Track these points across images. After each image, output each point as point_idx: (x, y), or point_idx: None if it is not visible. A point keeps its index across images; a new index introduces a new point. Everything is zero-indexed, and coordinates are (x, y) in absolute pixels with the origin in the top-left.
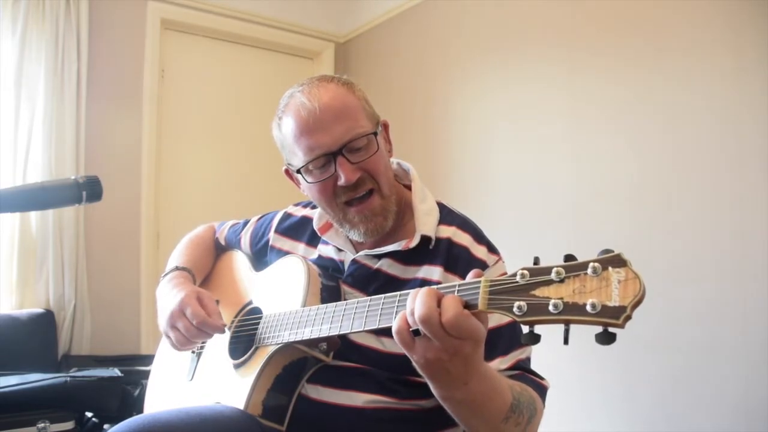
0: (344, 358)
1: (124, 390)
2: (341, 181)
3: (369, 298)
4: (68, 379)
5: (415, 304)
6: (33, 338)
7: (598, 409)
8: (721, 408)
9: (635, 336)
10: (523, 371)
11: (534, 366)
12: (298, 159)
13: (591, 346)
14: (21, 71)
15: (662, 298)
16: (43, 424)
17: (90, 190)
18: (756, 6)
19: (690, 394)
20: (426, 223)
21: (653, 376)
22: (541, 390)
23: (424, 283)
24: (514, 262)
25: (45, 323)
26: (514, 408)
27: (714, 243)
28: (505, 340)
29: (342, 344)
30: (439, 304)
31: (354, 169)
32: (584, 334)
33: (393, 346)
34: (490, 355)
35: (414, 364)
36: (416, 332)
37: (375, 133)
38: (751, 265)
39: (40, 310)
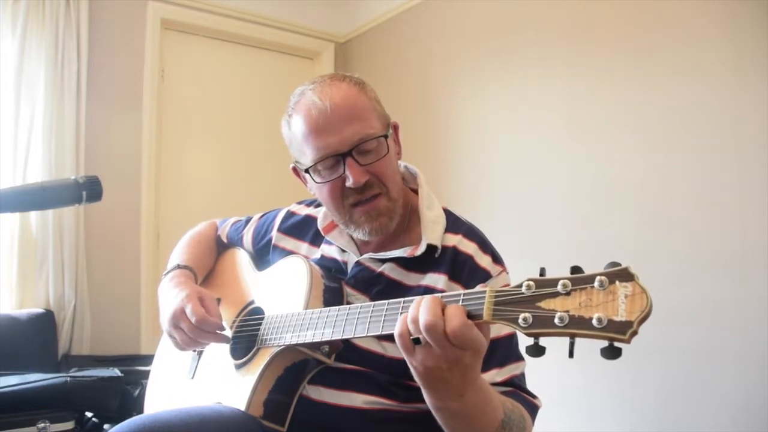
0: (346, 361)
1: (124, 390)
2: (349, 183)
3: (372, 303)
4: (68, 379)
5: (419, 311)
6: (33, 338)
7: (601, 411)
8: (723, 410)
9: (637, 336)
10: (516, 388)
11: (535, 367)
12: (307, 158)
13: (593, 347)
14: (21, 71)
15: (664, 299)
16: (43, 424)
17: (90, 190)
18: (756, 5)
19: (692, 396)
20: (433, 232)
21: (656, 378)
22: (532, 409)
23: (428, 290)
24: (513, 263)
25: (45, 323)
26: (504, 424)
27: (715, 244)
28: (502, 351)
29: (344, 347)
30: (443, 312)
31: (363, 171)
32: (588, 342)
33: (394, 350)
34: (486, 366)
35: (412, 371)
36: (416, 341)
37: (386, 136)
38: (753, 266)
39: (40, 310)
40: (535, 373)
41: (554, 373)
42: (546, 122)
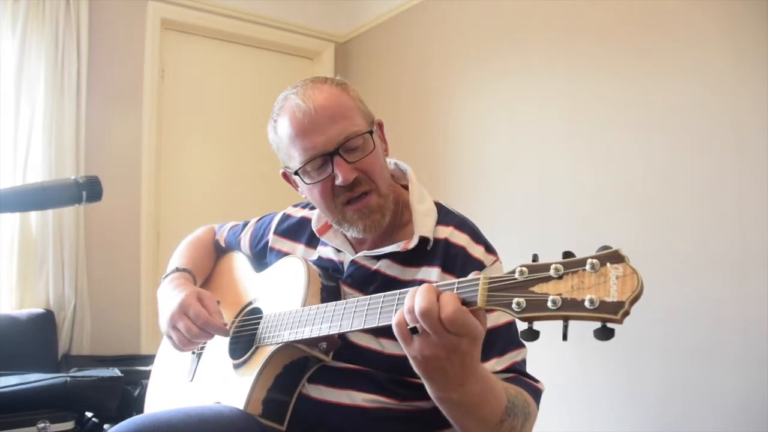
0: (344, 360)
1: (124, 390)
2: (338, 181)
3: (368, 297)
4: (68, 379)
5: (414, 299)
6: (33, 338)
7: (602, 411)
8: (723, 410)
9: (638, 336)
10: (518, 374)
11: (537, 367)
12: (295, 161)
13: (594, 346)
14: (21, 71)
15: (664, 299)
16: (43, 424)
17: (90, 190)
18: (756, 5)
19: (692, 396)
20: (424, 225)
21: (656, 377)
22: (536, 393)
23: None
24: (513, 263)
25: (45, 323)
26: (509, 411)
27: (715, 243)
28: (501, 340)
29: (342, 346)
30: (438, 299)
31: (351, 169)
32: (587, 334)
33: (392, 347)
34: (486, 356)
35: (411, 361)
36: (414, 330)
37: (371, 132)
38: (753, 266)
39: (40, 310)
40: (535, 374)
41: (554, 373)
42: (546, 122)
